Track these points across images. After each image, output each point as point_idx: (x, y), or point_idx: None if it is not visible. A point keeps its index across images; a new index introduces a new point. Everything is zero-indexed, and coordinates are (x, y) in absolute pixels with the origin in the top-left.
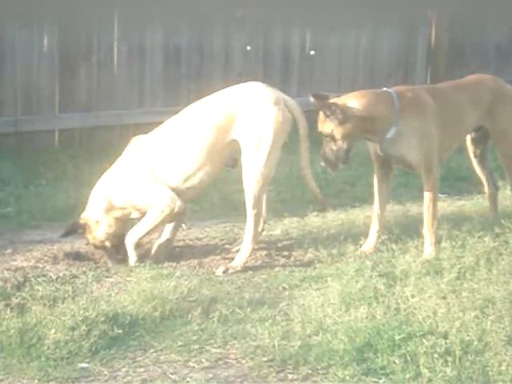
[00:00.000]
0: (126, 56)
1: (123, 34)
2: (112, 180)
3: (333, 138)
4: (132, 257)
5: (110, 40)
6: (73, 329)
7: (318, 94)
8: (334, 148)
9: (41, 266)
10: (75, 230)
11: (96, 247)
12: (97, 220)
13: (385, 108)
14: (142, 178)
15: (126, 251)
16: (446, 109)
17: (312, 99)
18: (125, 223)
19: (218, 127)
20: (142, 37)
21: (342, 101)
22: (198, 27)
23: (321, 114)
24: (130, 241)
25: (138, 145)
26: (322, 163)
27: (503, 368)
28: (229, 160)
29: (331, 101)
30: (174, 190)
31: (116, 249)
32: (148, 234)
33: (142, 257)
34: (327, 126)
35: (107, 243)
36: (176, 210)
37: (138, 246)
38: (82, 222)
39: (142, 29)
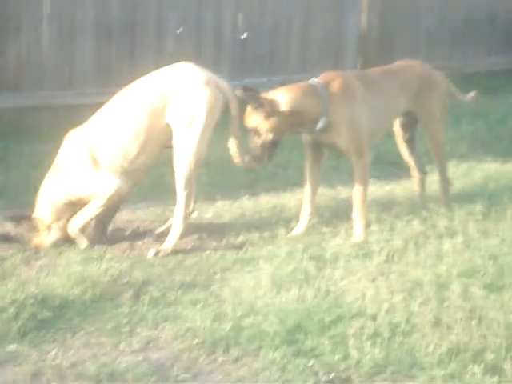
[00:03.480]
0: (57, 34)
1: (53, 12)
2: (56, 181)
3: (258, 132)
4: (81, 242)
5: (40, 17)
6: (1, 311)
7: (248, 87)
8: (259, 142)
9: None
10: (24, 221)
11: (35, 248)
12: (48, 224)
13: (311, 102)
14: (84, 170)
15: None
16: (375, 94)
17: (241, 91)
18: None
19: (152, 110)
20: (73, 15)
21: (271, 95)
22: (131, 5)
23: (248, 107)
24: (73, 228)
25: (74, 139)
26: (247, 157)
27: (430, 349)
28: (168, 142)
29: (260, 94)
30: (118, 173)
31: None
32: (93, 218)
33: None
34: (253, 119)
35: (50, 247)
36: (120, 193)
37: (82, 231)
38: (35, 222)
39: (73, 6)
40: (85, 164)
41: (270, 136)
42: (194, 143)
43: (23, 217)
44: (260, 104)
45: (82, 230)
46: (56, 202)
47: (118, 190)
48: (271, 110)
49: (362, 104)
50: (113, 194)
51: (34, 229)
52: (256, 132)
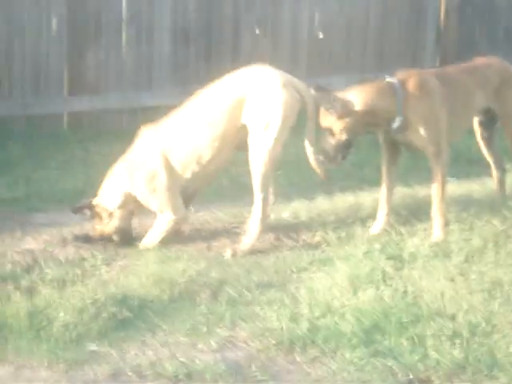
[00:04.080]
0: (135, 37)
1: (132, 15)
2: (127, 173)
3: (331, 132)
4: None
5: (119, 21)
6: (82, 311)
7: (320, 86)
8: (333, 142)
9: (50, 248)
10: (85, 211)
11: (99, 237)
12: (111, 212)
13: (386, 101)
14: (158, 173)
15: (128, 241)
16: (454, 92)
17: (313, 91)
18: (132, 215)
19: (229, 113)
20: (151, 18)
21: (343, 95)
22: (208, 6)
23: (321, 107)
24: (145, 246)
25: (149, 137)
26: (321, 157)
27: (511, 350)
28: (240, 144)
29: (332, 94)
30: (189, 178)
31: (122, 240)
32: (160, 240)
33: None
34: (327, 119)
35: (114, 236)
36: (181, 221)
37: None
38: (97, 209)
39: (150, 9)
40: (158, 166)
41: (344, 136)
42: (270, 145)
43: (82, 206)
44: (332, 104)
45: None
46: (126, 194)
47: (178, 218)
48: (343, 110)
49: (439, 102)
50: (173, 221)
51: (94, 217)
52: (330, 132)
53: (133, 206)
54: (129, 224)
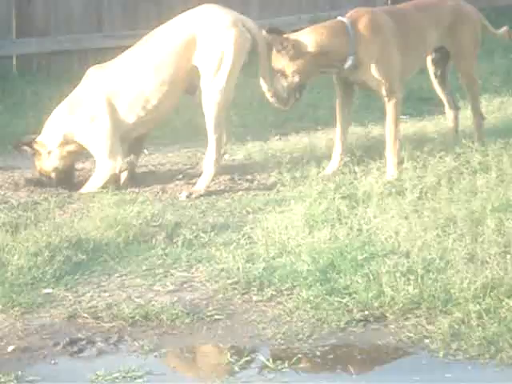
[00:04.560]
0: None
1: None
2: (70, 114)
3: (284, 74)
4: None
5: None
6: (36, 255)
7: (273, 28)
8: (285, 84)
9: (2, 192)
10: (24, 147)
11: (40, 175)
12: (49, 150)
13: (338, 41)
14: (100, 115)
15: (69, 184)
16: (407, 29)
17: (265, 33)
18: (75, 157)
19: (179, 54)
20: None
21: (295, 36)
22: None
23: (274, 49)
24: (85, 191)
25: (94, 77)
26: (272, 100)
27: (464, 285)
28: (189, 87)
29: (284, 36)
30: (135, 121)
31: (59, 180)
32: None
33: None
34: (278, 61)
35: (53, 175)
36: (117, 175)
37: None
38: (36, 146)
39: None
40: (102, 108)
41: (297, 78)
42: (222, 85)
43: (23, 142)
44: (284, 46)
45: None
46: (65, 134)
47: (114, 168)
48: (295, 52)
49: (392, 40)
50: (110, 173)
51: (35, 154)
52: (282, 74)
53: (74, 148)
54: (68, 166)
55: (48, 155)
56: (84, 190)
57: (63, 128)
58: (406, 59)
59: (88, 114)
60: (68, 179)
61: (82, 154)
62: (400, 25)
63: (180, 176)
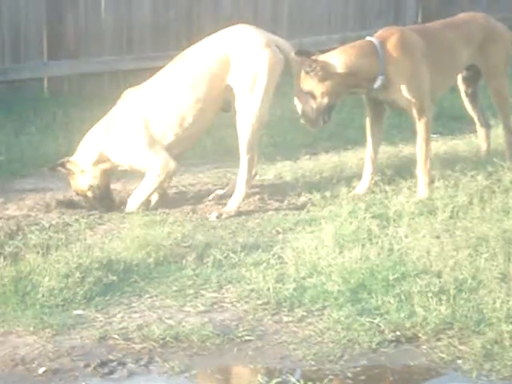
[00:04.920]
0: (114, 0)
1: None
2: (105, 133)
3: (313, 95)
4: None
5: None
6: (67, 276)
7: (302, 50)
8: (314, 106)
9: (33, 214)
10: (59, 168)
11: (77, 194)
12: (83, 169)
13: (367, 61)
14: (136, 137)
15: (108, 203)
16: (437, 48)
17: (294, 55)
18: (110, 176)
19: (213, 74)
20: None
21: (324, 57)
22: None
23: (302, 70)
24: (131, 208)
25: (131, 97)
26: (302, 121)
27: (497, 305)
28: (224, 105)
29: (312, 58)
30: (172, 141)
31: (98, 200)
32: (147, 198)
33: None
34: (307, 82)
35: (89, 193)
36: (172, 171)
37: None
38: (68, 164)
39: None
40: (138, 128)
41: (325, 100)
42: (257, 106)
43: (58, 164)
44: (312, 68)
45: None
46: (101, 153)
47: (167, 168)
48: (324, 73)
49: (422, 59)
50: (162, 173)
51: (69, 172)
52: (311, 95)
53: (107, 167)
54: (103, 184)
55: (81, 174)
56: (132, 200)
57: (98, 147)
58: (436, 78)
59: (124, 134)
60: (105, 198)
61: (114, 173)
62: (430, 43)
63: (213, 197)
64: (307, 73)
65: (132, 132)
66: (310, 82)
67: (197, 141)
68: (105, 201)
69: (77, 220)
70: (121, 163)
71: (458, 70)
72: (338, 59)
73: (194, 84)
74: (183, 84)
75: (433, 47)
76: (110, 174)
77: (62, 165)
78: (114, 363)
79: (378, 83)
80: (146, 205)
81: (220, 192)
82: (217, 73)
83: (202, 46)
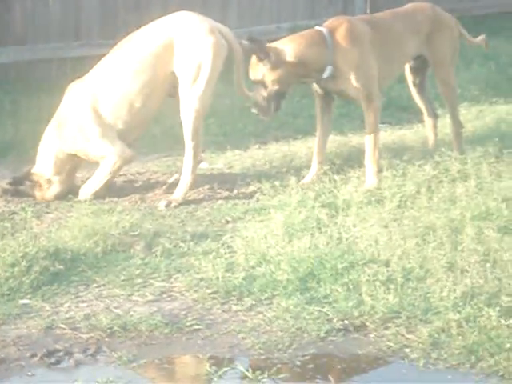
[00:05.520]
0: None
1: None
2: (57, 132)
3: (264, 84)
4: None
5: None
6: (13, 265)
7: (254, 38)
8: (265, 94)
9: None
10: (24, 181)
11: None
12: (48, 178)
13: (316, 51)
14: (89, 127)
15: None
16: (385, 38)
17: (247, 42)
18: (73, 177)
19: (157, 59)
20: None
21: (275, 45)
22: None
23: (253, 59)
24: (84, 196)
25: (76, 90)
26: (253, 110)
27: (444, 294)
28: (171, 90)
29: (265, 45)
30: (123, 129)
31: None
32: (103, 187)
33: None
34: (258, 70)
35: (55, 199)
36: (128, 159)
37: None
38: (34, 177)
39: None
40: (88, 119)
41: (276, 87)
42: (200, 92)
43: (23, 175)
44: (266, 55)
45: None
46: (58, 153)
47: (123, 156)
48: (277, 60)
49: (370, 49)
50: (118, 161)
51: (35, 184)
52: (262, 84)
53: (71, 165)
54: (69, 186)
55: (48, 183)
56: (85, 188)
57: (55, 149)
58: (384, 68)
59: (76, 126)
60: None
61: (78, 169)
62: (378, 33)
63: (165, 187)
64: (260, 60)
65: (84, 123)
66: (261, 70)
67: (147, 127)
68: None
69: (23, 208)
70: (78, 154)
71: (406, 59)
72: (289, 47)
73: (139, 69)
74: (128, 69)
75: (380, 37)
76: (74, 173)
77: (27, 177)
78: (61, 353)
79: (326, 73)
80: (103, 194)
81: (169, 181)
82: (161, 58)
83: (145, 32)
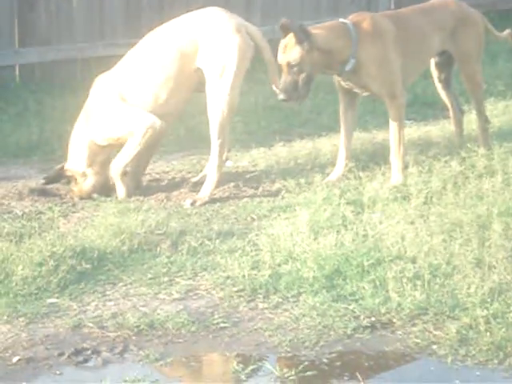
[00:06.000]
0: None
1: None
2: (86, 124)
3: (299, 66)
4: (120, 189)
5: None
6: (40, 264)
7: (292, 21)
8: (298, 78)
9: (6, 202)
10: (58, 179)
11: (81, 198)
12: (83, 172)
13: (342, 42)
14: (116, 110)
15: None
16: (408, 34)
17: (284, 23)
18: (107, 167)
19: (182, 54)
20: None
21: (311, 29)
22: None
23: (288, 40)
24: (116, 171)
25: (103, 82)
26: (281, 96)
27: (472, 290)
28: (198, 85)
29: (302, 26)
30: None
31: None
32: (134, 159)
33: (131, 188)
34: (295, 52)
35: (95, 195)
36: (158, 129)
37: (124, 174)
38: (68, 174)
39: None
40: (116, 104)
41: (311, 71)
42: (227, 91)
43: (56, 173)
44: (307, 36)
45: (123, 175)
46: (90, 146)
47: (153, 126)
48: (315, 43)
49: (393, 45)
50: (149, 130)
51: (69, 180)
52: (298, 66)
53: (103, 156)
54: (106, 177)
55: (83, 177)
56: (118, 160)
57: (86, 142)
58: (407, 64)
59: (104, 113)
60: (107, 190)
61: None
62: (401, 30)
63: (184, 183)
64: (300, 42)
65: (111, 106)
66: (299, 52)
67: (172, 121)
68: (105, 192)
69: (50, 208)
70: (111, 142)
71: (430, 56)
72: (320, 35)
73: (164, 63)
74: (153, 62)
75: (404, 33)
76: (107, 164)
77: (61, 174)
78: (89, 352)
79: (349, 66)
80: (130, 192)
81: (195, 179)
82: (186, 53)
83: (172, 25)
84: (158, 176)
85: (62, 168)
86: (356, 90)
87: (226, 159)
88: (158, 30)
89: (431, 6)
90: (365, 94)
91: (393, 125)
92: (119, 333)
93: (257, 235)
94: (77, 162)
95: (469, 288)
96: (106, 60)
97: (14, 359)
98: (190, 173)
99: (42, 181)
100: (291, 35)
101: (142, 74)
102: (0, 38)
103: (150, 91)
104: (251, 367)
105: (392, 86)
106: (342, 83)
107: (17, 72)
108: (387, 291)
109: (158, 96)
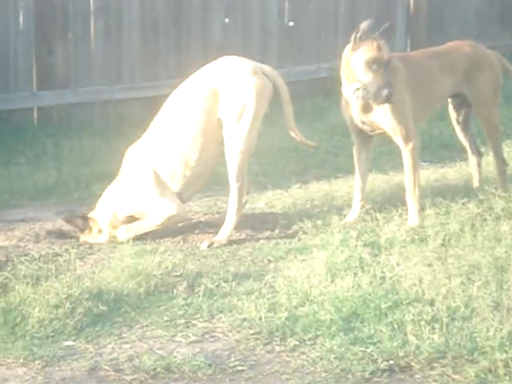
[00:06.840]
0: (103, 30)
1: (100, 7)
2: (119, 193)
3: (377, 64)
4: (103, 237)
5: (87, 13)
6: (57, 307)
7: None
8: (378, 75)
9: (23, 244)
10: (78, 223)
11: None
12: (99, 229)
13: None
14: (148, 187)
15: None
16: (418, 76)
17: (365, 25)
18: None
19: (205, 108)
20: (119, 9)
21: None
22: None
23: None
24: (122, 235)
25: (133, 155)
26: (386, 90)
27: (491, 333)
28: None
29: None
30: (182, 184)
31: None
32: (143, 234)
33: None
34: (387, 50)
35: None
36: (175, 218)
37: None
38: (90, 222)
39: (118, 0)
40: (147, 182)
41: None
42: (245, 133)
43: (77, 218)
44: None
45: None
46: (116, 212)
47: (171, 215)
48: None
49: (404, 86)
50: (167, 220)
51: (85, 227)
52: (375, 64)
53: (125, 222)
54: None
55: (98, 232)
56: (130, 228)
57: (112, 210)
58: (417, 106)
59: (136, 190)
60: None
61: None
62: (411, 71)
63: (201, 226)
64: (384, 37)
65: (143, 185)
66: (388, 50)
67: (205, 180)
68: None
69: (66, 250)
70: (135, 215)
71: (440, 99)
72: None
73: (189, 122)
74: (179, 124)
75: (413, 75)
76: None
77: (84, 220)
78: None
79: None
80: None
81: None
82: (209, 107)
83: (190, 83)
84: None
85: (86, 216)
86: (366, 127)
87: (246, 202)
88: (178, 89)
89: (442, 49)
90: (376, 132)
91: (407, 166)
92: (135, 376)
93: (273, 277)
94: (101, 219)
95: (487, 331)
96: (124, 103)
97: None
98: (206, 214)
99: (62, 219)
100: (375, 36)
101: (170, 138)
102: (18, 80)
103: (179, 153)
104: None
105: (405, 128)
106: (355, 121)
107: (35, 115)
108: (405, 334)
109: (188, 156)
